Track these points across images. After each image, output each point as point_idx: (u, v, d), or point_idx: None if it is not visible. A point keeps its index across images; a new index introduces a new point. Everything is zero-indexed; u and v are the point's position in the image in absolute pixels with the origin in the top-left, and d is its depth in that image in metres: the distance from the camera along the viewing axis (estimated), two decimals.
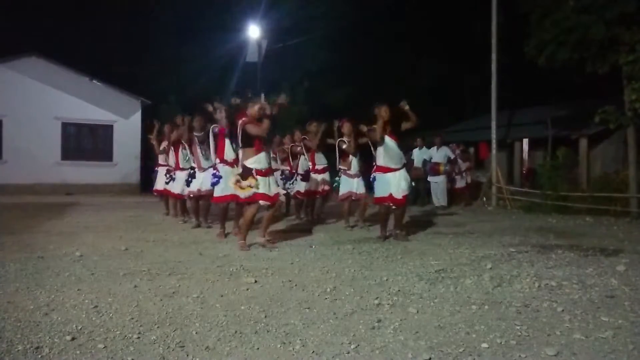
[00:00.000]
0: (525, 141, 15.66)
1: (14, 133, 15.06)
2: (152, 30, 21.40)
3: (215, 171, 6.73)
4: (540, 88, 19.99)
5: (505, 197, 11.45)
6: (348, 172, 7.60)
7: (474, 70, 19.96)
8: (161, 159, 9.26)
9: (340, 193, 7.67)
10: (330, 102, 20.41)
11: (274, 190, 5.75)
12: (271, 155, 6.49)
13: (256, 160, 5.63)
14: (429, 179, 11.45)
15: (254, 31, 18.25)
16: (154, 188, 9.47)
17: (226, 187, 6.30)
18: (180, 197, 8.36)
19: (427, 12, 22.53)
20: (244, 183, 5.58)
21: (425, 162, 11.57)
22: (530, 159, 15.42)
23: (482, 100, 15.05)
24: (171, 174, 8.54)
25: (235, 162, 6.45)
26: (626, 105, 9.27)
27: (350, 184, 7.55)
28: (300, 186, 8.51)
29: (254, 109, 5.65)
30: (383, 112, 6.23)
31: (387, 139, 6.31)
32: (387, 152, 6.28)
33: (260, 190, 5.59)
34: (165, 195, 9.14)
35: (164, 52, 21.70)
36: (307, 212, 8.75)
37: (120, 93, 16.82)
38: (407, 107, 6.32)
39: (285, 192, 6.76)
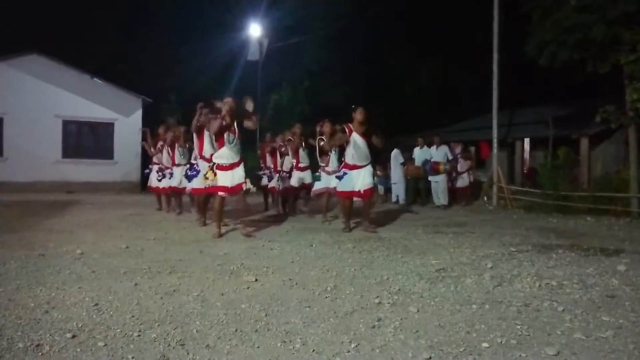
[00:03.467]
0: (526, 141, 15.66)
1: (14, 131, 15.06)
2: (153, 28, 21.38)
3: (195, 165, 7.40)
4: (541, 88, 19.98)
5: (506, 196, 11.44)
6: (326, 168, 8.09)
7: (474, 70, 19.95)
8: (155, 157, 9.78)
9: (315, 188, 8.33)
10: (331, 101, 20.41)
11: (236, 182, 6.31)
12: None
13: (218, 156, 6.28)
14: (430, 178, 11.43)
15: (255, 30, 18.27)
16: (148, 185, 10.07)
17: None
18: (175, 191, 8.96)
19: (427, 11, 22.52)
20: (207, 175, 6.34)
21: (426, 161, 11.56)
22: (531, 158, 15.42)
23: (483, 100, 15.05)
24: (164, 172, 9.15)
25: (212, 158, 7.09)
26: (627, 105, 9.25)
27: (327, 181, 8.06)
28: (284, 183, 9.16)
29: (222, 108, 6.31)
30: (358, 114, 6.77)
31: (356, 137, 6.78)
32: (355, 150, 6.76)
33: (220, 183, 6.23)
34: (157, 191, 9.73)
35: (165, 51, 21.68)
36: (285, 207, 9.38)
37: (121, 91, 16.81)
38: (377, 139, 6.88)
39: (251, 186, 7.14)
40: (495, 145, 12.22)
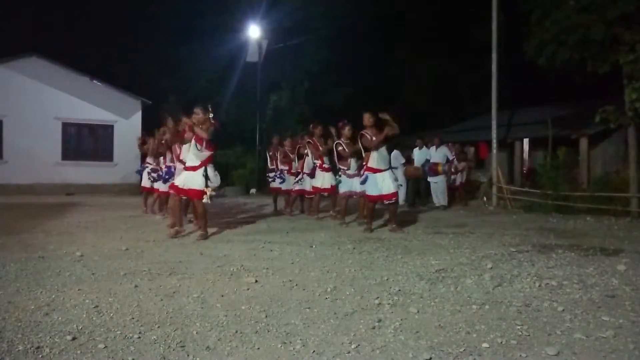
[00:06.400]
0: (526, 141, 15.67)
1: (14, 133, 15.06)
2: (152, 30, 21.38)
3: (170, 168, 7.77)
4: (540, 88, 20.00)
5: (505, 196, 11.43)
6: (347, 172, 7.98)
7: (474, 70, 19.95)
8: (149, 157, 9.60)
9: (341, 191, 8.17)
10: (330, 102, 20.40)
11: (181, 183, 6.36)
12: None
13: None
14: (429, 179, 11.42)
15: (254, 31, 18.26)
16: (142, 185, 9.75)
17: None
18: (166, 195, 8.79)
19: (427, 11, 22.52)
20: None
21: (425, 162, 11.55)
22: (531, 158, 15.44)
23: (482, 100, 15.05)
24: (157, 173, 8.92)
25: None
26: (626, 105, 9.25)
27: (350, 184, 7.94)
28: (307, 184, 9.02)
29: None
30: (365, 120, 7.01)
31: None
32: (379, 154, 7.00)
33: (174, 181, 6.59)
34: (148, 192, 9.55)
35: (164, 52, 21.68)
36: (303, 208, 9.43)
37: (120, 93, 16.82)
38: (386, 117, 6.91)
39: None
40: (494, 145, 12.22)
